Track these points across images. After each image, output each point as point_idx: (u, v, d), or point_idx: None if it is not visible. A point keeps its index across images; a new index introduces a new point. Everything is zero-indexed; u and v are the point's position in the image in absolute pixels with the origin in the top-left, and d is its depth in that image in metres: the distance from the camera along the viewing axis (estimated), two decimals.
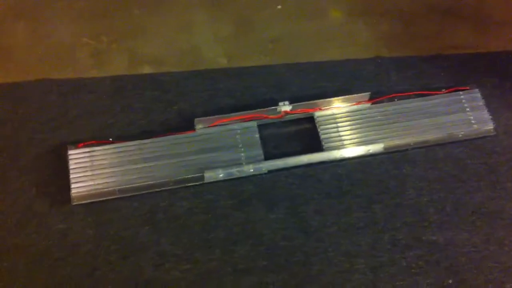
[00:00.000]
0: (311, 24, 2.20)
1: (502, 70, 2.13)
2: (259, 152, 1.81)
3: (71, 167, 1.73)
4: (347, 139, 1.86)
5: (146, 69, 1.99)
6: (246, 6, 2.20)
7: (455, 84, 2.02)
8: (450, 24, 2.24)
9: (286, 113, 1.85)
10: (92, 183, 1.71)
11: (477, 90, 1.98)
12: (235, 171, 1.77)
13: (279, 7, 2.20)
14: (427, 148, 1.90)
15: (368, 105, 1.92)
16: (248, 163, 1.78)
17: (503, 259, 1.73)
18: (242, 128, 1.84)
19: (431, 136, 1.89)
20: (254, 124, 1.85)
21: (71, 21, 2.07)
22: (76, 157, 1.74)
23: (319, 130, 1.86)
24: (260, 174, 1.80)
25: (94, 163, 1.74)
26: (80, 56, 2.00)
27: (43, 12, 2.09)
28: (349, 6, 2.25)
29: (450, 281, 1.68)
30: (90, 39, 2.04)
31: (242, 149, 1.81)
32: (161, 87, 1.97)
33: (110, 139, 1.79)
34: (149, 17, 2.12)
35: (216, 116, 1.82)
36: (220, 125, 1.84)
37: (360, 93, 1.92)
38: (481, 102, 1.96)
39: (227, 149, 1.80)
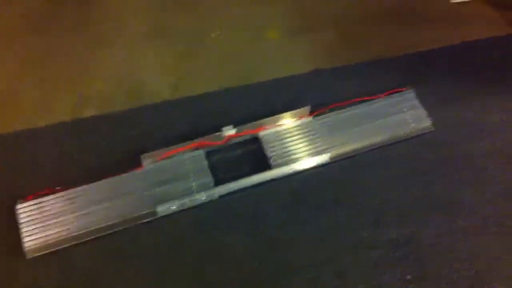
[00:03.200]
0: (251, 46, 2.25)
1: (436, 67, 2.22)
2: (209, 179, 1.82)
3: (21, 221, 1.71)
4: (293, 154, 1.89)
5: (91, 112, 2.00)
6: (188, 36, 2.24)
7: (395, 86, 2.09)
8: (385, 29, 2.34)
9: (231, 137, 1.88)
10: (45, 233, 1.69)
11: (411, 90, 2.05)
12: (187, 201, 1.77)
13: (216, 33, 2.25)
14: (373, 151, 1.95)
15: (310, 118, 1.96)
16: (199, 191, 1.79)
17: (464, 248, 1.76)
18: (190, 157, 1.85)
19: (375, 139, 1.94)
20: (201, 152, 1.87)
21: (15, 73, 2.05)
22: (26, 210, 1.73)
23: (265, 149, 1.89)
24: (213, 200, 1.81)
25: (45, 214, 1.72)
26: (24, 107, 1.99)
27: None
28: (286, 25, 2.33)
29: (416, 275, 1.70)
30: (34, 87, 2.03)
31: (192, 178, 1.82)
32: (107, 127, 1.97)
33: (58, 187, 1.77)
34: (90, 57, 2.14)
35: (162, 149, 1.83)
36: (168, 157, 1.84)
37: (304, 107, 1.96)
38: (416, 101, 2.03)
39: (177, 180, 1.81)
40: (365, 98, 2.04)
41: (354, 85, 2.12)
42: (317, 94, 2.09)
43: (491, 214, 1.83)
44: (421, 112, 2.01)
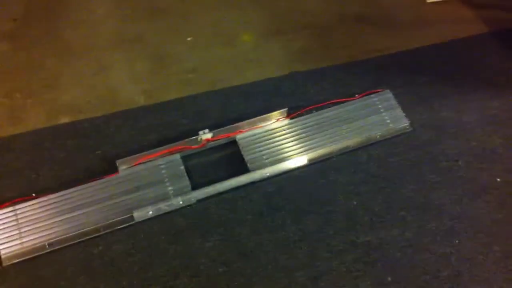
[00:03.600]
0: (226, 50, 2.25)
1: (412, 67, 2.22)
2: (186, 183, 1.82)
3: None
4: (270, 157, 1.89)
5: (65, 119, 1.99)
6: (158, 42, 2.23)
7: (371, 88, 2.09)
8: (361, 31, 2.35)
9: (208, 140, 1.87)
10: (20, 241, 1.69)
11: (388, 90, 2.06)
12: (163, 206, 1.77)
13: (189, 39, 2.24)
14: (349, 153, 1.96)
15: (287, 120, 1.97)
16: (176, 195, 1.79)
17: (436, 249, 1.78)
18: (166, 162, 1.85)
19: (352, 141, 1.95)
20: (177, 156, 1.86)
21: None
22: (0, 218, 1.71)
23: (242, 152, 1.89)
24: (190, 205, 1.81)
25: (20, 221, 1.71)
26: None
27: None
28: (261, 28, 2.33)
29: (389, 279, 1.71)
30: (4, 97, 2.01)
31: (169, 183, 1.82)
32: (81, 134, 1.96)
33: (33, 194, 1.76)
34: (62, 66, 2.13)
35: (137, 154, 1.83)
36: (143, 162, 1.83)
37: (281, 109, 1.96)
38: (394, 102, 2.04)
39: (153, 186, 1.81)
40: (342, 100, 2.04)
41: (330, 87, 2.13)
42: (293, 97, 2.09)
43: (462, 215, 1.83)
44: (399, 112, 2.02)
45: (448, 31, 2.34)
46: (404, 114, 2.01)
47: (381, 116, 2.00)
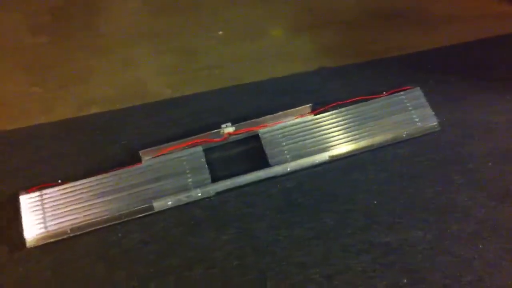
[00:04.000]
0: (254, 45, 2.25)
1: (445, 65, 2.17)
2: (206, 176, 1.84)
3: (23, 212, 1.76)
4: (292, 153, 1.88)
5: (94, 110, 2.04)
6: (188, 36, 2.26)
7: (400, 85, 2.05)
8: (393, 27, 2.30)
9: (230, 134, 1.88)
10: (45, 225, 1.75)
11: (418, 88, 2.00)
12: (183, 197, 1.79)
13: (220, 32, 2.25)
14: (374, 151, 1.92)
15: (311, 116, 1.95)
16: (195, 187, 1.81)
17: (458, 253, 1.72)
18: (187, 154, 1.87)
19: (376, 139, 1.92)
20: (199, 149, 1.88)
21: (20, 73, 2.13)
22: (28, 202, 1.78)
23: (264, 147, 1.88)
24: (209, 197, 1.83)
25: (45, 206, 1.77)
26: (30, 107, 2.06)
27: None
28: (290, 23, 2.32)
29: (405, 281, 1.67)
30: (38, 88, 2.09)
31: (189, 175, 1.84)
32: (108, 125, 2.01)
33: (59, 181, 1.82)
34: (93, 59, 2.19)
35: (160, 145, 1.86)
36: (166, 154, 1.86)
37: (306, 105, 1.95)
38: (423, 100, 1.98)
39: (174, 177, 1.83)
40: (369, 97, 2.00)
41: (358, 84, 2.10)
42: (320, 93, 2.07)
43: (487, 218, 1.77)
44: (428, 111, 1.97)
45: (485, 27, 2.25)
46: (433, 113, 1.96)
47: (409, 114, 1.95)
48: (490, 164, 1.91)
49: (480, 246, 1.73)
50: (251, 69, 2.17)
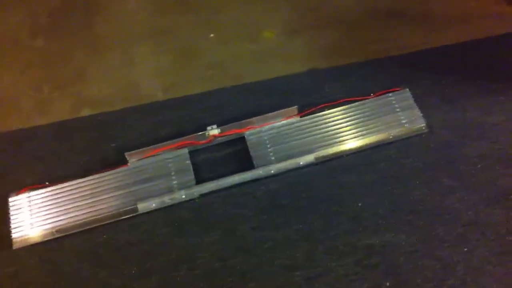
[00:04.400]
0: (250, 46, 2.26)
1: (440, 65, 2.13)
2: (191, 177, 1.85)
3: (11, 213, 1.81)
4: (278, 154, 1.88)
5: (87, 111, 2.07)
6: (183, 39, 2.27)
7: (393, 86, 2.03)
8: (392, 28, 2.27)
9: (215, 136, 1.89)
10: (31, 226, 1.78)
11: (407, 89, 1.99)
12: (167, 199, 1.81)
13: (211, 35, 2.26)
14: (360, 153, 1.91)
15: (297, 118, 1.94)
16: (180, 189, 1.82)
17: (442, 256, 1.70)
18: (173, 156, 1.89)
19: (363, 141, 1.90)
20: (185, 151, 1.90)
21: (14, 75, 2.17)
22: (16, 203, 1.82)
23: (249, 148, 1.89)
24: (194, 199, 1.83)
25: (33, 207, 1.81)
26: (24, 107, 2.09)
27: None
28: (287, 24, 2.31)
29: (388, 284, 1.66)
30: (33, 89, 2.13)
31: (174, 177, 1.85)
32: (100, 126, 2.04)
33: (47, 183, 1.85)
34: (90, 59, 2.22)
35: (146, 148, 1.88)
36: (152, 156, 1.88)
37: (292, 106, 1.95)
38: (411, 101, 1.97)
39: (159, 179, 1.85)
40: (357, 98, 1.99)
41: (350, 85, 2.08)
42: (310, 94, 2.06)
43: (475, 221, 1.74)
44: (416, 112, 1.94)
45: (486, 28, 2.21)
46: (421, 114, 1.93)
47: (397, 115, 1.93)
48: (481, 166, 1.87)
49: (465, 250, 1.70)
50: (244, 70, 2.17)
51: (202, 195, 1.85)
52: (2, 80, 2.17)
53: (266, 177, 1.87)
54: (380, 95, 1.99)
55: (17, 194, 1.84)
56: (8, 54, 2.25)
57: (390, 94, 1.98)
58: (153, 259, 1.75)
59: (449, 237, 1.74)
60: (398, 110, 1.94)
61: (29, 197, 1.83)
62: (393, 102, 1.96)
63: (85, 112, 2.08)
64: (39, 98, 2.12)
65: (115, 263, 1.75)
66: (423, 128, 1.92)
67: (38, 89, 2.15)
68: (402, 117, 1.92)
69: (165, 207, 1.83)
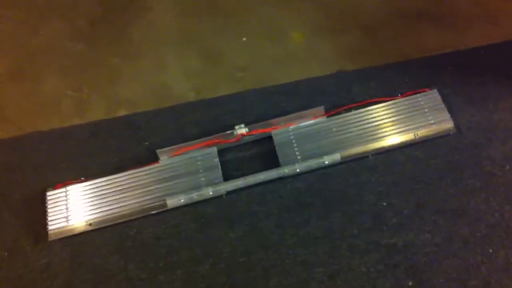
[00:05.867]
0: (276, 49, 2.29)
1: (469, 67, 2.11)
2: (219, 175, 1.90)
3: (48, 206, 1.90)
4: (303, 153, 1.91)
5: (121, 112, 2.16)
6: (213, 42, 2.33)
7: (421, 87, 2.03)
8: (420, 29, 2.27)
9: (243, 135, 1.94)
10: (66, 219, 1.87)
11: (435, 90, 1.98)
12: (195, 195, 1.86)
13: (244, 39, 2.32)
14: (386, 153, 1.91)
15: (324, 118, 1.97)
16: (207, 186, 1.87)
17: (466, 257, 1.70)
18: (202, 154, 1.94)
19: (389, 141, 1.91)
20: (214, 149, 1.95)
21: (56, 78, 2.28)
22: (53, 197, 1.91)
23: (276, 147, 1.92)
24: (220, 196, 1.88)
25: (69, 201, 1.90)
26: (64, 108, 2.20)
27: (31, 72, 2.32)
28: (314, 27, 2.33)
29: (410, 283, 1.66)
30: (73, 91, 2.24)
31: (203, 174, 1.91)
32: (133, 126, 2.11)
33: (82, 178, 1.94)
34: (126, 63, 2.31)
35: (176, 145, 1.94)
36: (182, 154, 1.94)
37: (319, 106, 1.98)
38: (439, 102, 1.96)
39: (188, 176, 1.91)
40: (384, 99, 2.00)
41: (377, 86, 2.08)
42: (337, 96, 2.08)
43: (499, 223, 1.72)
44: (444, 113, 1.94)
45: (510, 29, 2.18)
46: (449, 115, 1.93)
47: (425, 116, 1.93)
48: (508, 168, 1.85)
49: (490, 251, 1.69)
50: (272, 73, 2.21)
51: (229, 192, 1.89)
52: (46, 82, 2.28)
53: (291, 176, 1.90)
54: (408, 95, 1.98)
55: (54, 189, 1.93)
56: (52, 58, 2.36)
57: (418, 95, 1.98)
58: (179, 253, 1.80)
59: (473, 238, 1.73)
60: (426, 110, 1.94)
61: (65, 191, 1.91)
62: (421, 102, 1.96)
63: (120, 112, 2.16)
64: (78, 99, 2.22)
65: (143, 256, 1.81)
66: (451, 128, 1.91)
67: (78, 90, 2.25)
68: (430, 118, 1.92)
69: (192, 203, 1.89)
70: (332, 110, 1.99)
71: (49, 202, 1.91)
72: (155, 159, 1.97)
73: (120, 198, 1.89)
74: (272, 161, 1.93)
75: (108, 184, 1.92)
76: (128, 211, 1.87)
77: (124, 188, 1.91)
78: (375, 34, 2.27)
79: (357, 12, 2.35)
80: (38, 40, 2.43)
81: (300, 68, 2.21)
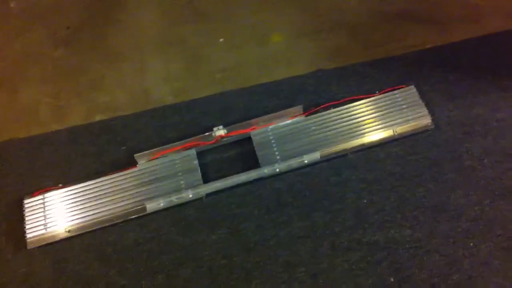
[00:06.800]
0: (256, 50, 2.28)
1: (448, 62, 2.11)
2: (198, 177, 1.89)
3: (26, 214, 1.87)
4: (283, 153, 1.90)
5: (100, 117, 2.14)
6: (193, 45, 2.32)
7: (399, 85, 2.03)
8: (402, 28, 2.27)
9: (222, 137, 1.92)
10: (44, 227, 1.84)
11: (412, 86, 1.98)
12: (174, 199, 1.85)
13: (221, 40, 2.31)
14: (366, 150, 1.91)
15: (303, 117, 1.96)
16: (187, 189, 1.86)
17: (448, 252, 1.69)
18: (181, 157, 1.93)
19: (368, 138, 1.91)
20: (193, 152, 1.93)
21: (36, 85, 2.26)
22: (30, 205, 1.89)
23: (256, 148, 1.91)
24: (200, 198, 1.87)
25: (47, 208, 1.88)
26: (42, 114, 2.18)
27: (9, 80, 2.31)
28: (296, 28, 2.33)
29: (392, 279, 1.65)
30: (51, 98, 2.22)
31: (182, 177, 1.89)
32: (112, 131, 2.10)
33: (60, 185, 1.92)
34: (106, 69, 2.29)
35: (154, 149, 1.92)
36: (160, 157, 1.93)
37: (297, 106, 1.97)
38: (417, 98, 1.96)
39: (167, 179, 1.89)
40: (362, 96, 1.99)
41: (356, 84, 2.08)
42: (316, 94, 2.07)
43: (480, 217, 1.72)
44: (422, 109, 1.94)
45: (492, 25, 2.18)
46: (427, 111, 1.92)
47: (403, 113, 1.93)
48: (488, 162, 1.85)
49: (471, 245, 1.69)
50: (252, 73, 2.20)
51: (209, 195, 1.88)
52: (23, 89, 2.25)
53: (271, 176, 1.89)
54: (385, 92, 1.98)
55: (31, 196, 1.90)
56: (30, 65, 2.34)
57: (396, 92, 1.98)
58: (160, 258, 1.79)
59: (454, 233, 1.73)
60: (404, 107, 1.94)
61: (43, 198, 1.89)
62: (399, 99, 1.96)
63: (98, 117, 2.14)
64: (57, 106, 2.20)
65: (124, 262, 1.80)
66: (429, 124, 1.91)
67: (56, 97, 2.22)
68: (408, 114, 1.92)
69: (172, 207, 1.87)
70: (311, 109, 1.98)
71: (26, 210, 1.89)
72: (134, 163, 1.94)
73: (98, 203, 1.87)
74: (252, 162, 1.92)
75: (86, 190, 1.90)
76: (108, 217, 1.85)
77: (103, 194, 1.89)
78: (353, 34, 2.27)
79: (336, 13, 2.35)
80: (17, 47, 2.42)
81: (281, 68, 2.20)
